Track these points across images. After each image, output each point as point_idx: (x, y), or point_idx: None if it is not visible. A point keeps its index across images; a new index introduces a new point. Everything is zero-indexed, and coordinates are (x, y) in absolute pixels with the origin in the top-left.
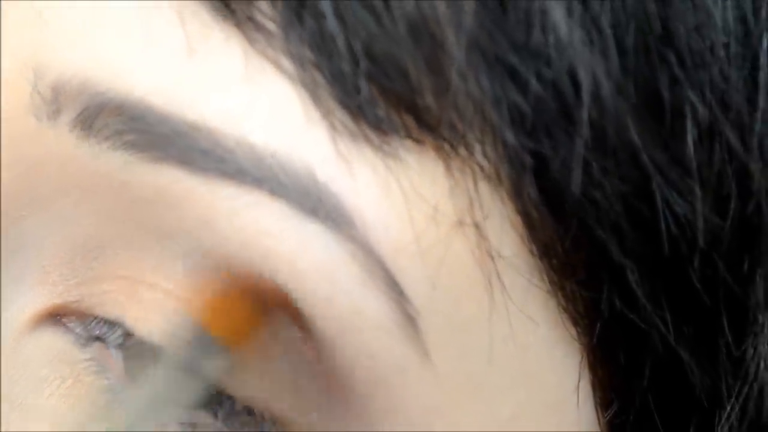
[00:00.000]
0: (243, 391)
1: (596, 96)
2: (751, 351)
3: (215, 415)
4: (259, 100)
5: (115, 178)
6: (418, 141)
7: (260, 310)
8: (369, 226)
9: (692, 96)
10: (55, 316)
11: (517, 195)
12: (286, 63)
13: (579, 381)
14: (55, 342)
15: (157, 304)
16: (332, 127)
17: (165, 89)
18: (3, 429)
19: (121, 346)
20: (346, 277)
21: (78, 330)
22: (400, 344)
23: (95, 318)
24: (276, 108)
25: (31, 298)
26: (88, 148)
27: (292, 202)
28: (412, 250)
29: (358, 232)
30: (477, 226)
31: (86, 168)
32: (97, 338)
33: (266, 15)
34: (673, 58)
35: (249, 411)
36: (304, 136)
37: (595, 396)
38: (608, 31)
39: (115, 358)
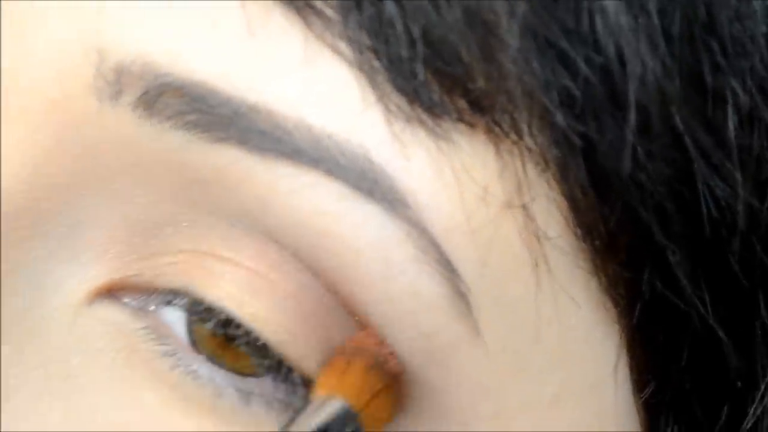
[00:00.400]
0: (303, 366)
1: (643, 81)
2: None
3: (273, 382)
4: (317, 83)
5: (175, 159)
6: (470, 124)
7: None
8: (422, 207)
9: (734, 83)
10: (111, 292)
11: (563, 178)
12: (344, 48)
13: (617, 362)
14: (110, 315)
15: (226, 273)
16: (387, 110)
17: (226, 72)
18: (62, 401)
19: (186, 313)
20: (401, 256)
21: (134, 304)
22: (454, 322)
23: (155, 290)
24: (333, 91)
25: (89, 274)
26: (149, 128)
27: (348, 182)
28: (463, 230)
29: (412, 213)
30: (525, 207)
31: (146, 148)
32: (158, 309)
33: (325, 1)
34: (716, 46)
35: (306, 382)
36: (360, 118)
37: (631, 377)
38: (655, 18)
39: (175, 326)
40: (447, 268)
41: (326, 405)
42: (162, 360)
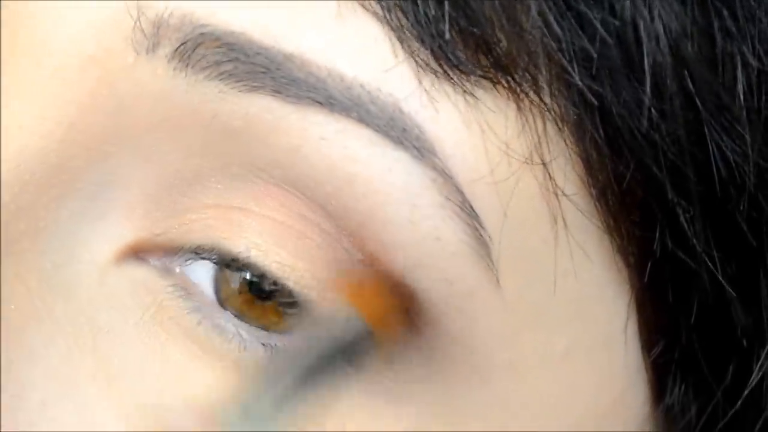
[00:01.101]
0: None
1: (657, 43)
2: None
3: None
4: (350, 36)
5: (207, 110)
6: (493, 82)
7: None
8: (448, 156)
9: (743, 47)
10: (138, 253)
11: (580, 137)
12: (375, 6)
13: (627, 321)
14: (137, 274)
15: (252, 225)
16: (416, 65)
17: (262, 23)
18: (92, 356)
19: (214, 269)
20: (427, 201)
21: (159, 264)
22: (475, 269)
23: (181, 248)
24: (365, 45)
25: (117, 233)
26: (183, 79)
27: (378, 129)
28: (487, 180)
29: (438, 161)
30: (544, 164)
31: (179, 101)
32: (183, 267)
33: None
34: (726, 12)
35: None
36: (390, 71)
37: (641, 336)
38: None
39: (202, 285)
40: (470, 215)
41: (337, 317)
42: (189, 316)
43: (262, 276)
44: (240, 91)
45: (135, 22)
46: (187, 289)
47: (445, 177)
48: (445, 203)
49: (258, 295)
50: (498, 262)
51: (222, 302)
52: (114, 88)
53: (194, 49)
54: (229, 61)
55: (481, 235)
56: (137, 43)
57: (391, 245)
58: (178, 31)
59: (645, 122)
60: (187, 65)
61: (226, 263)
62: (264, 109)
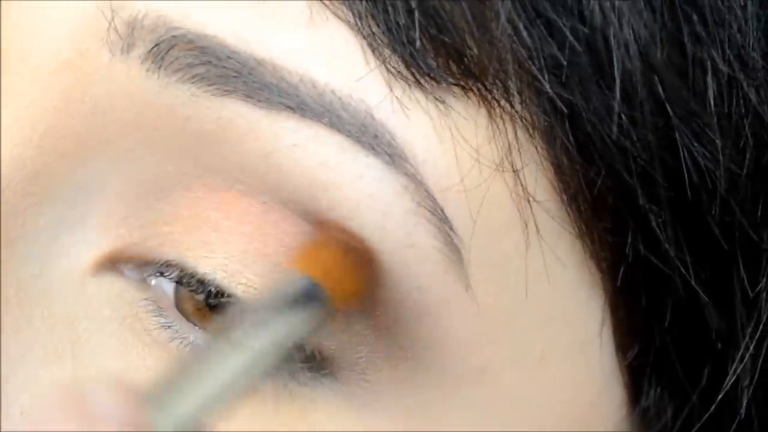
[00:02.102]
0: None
1: (627, 50)
2: (764, 294)
3: None
4: (322, 43)
5: (180, 113)
6: (464, 89)
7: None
8: (420, 162)
9: (713, 53)
10: (114, 263)
11: (550, 144)
12: (346, 13)
13: (603, 324)
14: (114, 285)
15: (221, 244)
16: (388, 72)
17: (235, 27)
18: (72, 363)
19: (178, 285)
20: (399, 208)
21: (135, 275)
22: (447, 275)
23: (154, 261)
24: (337, 51)
25: (95, 241)
26: (156, 80)
27: (350, 135)
28: (458, 187)
29: (410, 167)
30: (515, 170)
31: (152, 102)
32: (154, 279)
33: None
34: (696, 17)
35: (299, 346)
36: (362, 78)
37: (615, 340)
38: None
39: (169, 297)
40: (442, 221)
41: (291, 279)
42: (161, 332)
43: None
44: (212, 95)
45: (109, 23)
46: (159, 304)
47: (416, 183)
48: (417, 210)
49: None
50: (470, 268)
51: (186, 315)
52: (89, 89)
53: (168, 51)
54: (201, 64)
55: (452, 241)
56: (112, 44)
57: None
58: (153, 33)
59: (615, 129)
60: (160, 67)
61: (191, 283)
62: (236, 114)
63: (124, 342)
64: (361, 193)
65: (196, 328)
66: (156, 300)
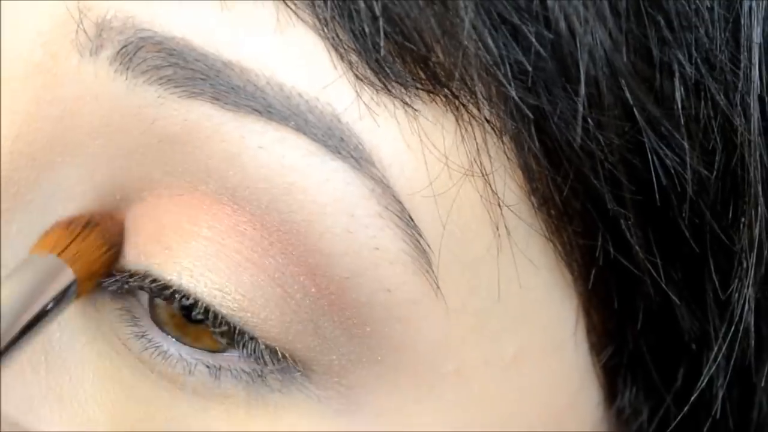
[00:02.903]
0: (265, 332)
1: (592, 54)
2: (736, 295)
3: (239, 356)
4: (290, 47)
5: (147, 114)
6: (432, 94)
7: None
8: (386, 166)
9: (680, 56)
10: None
11: (518, 148)
12: (314, 20)
13: (576, 325)
14: (89, 294)
15: (185, 249)
16: (355, 77)
17: (203, 30)
18: (45, 375)
19: (149, 294)
20: (365, 211)
21: (112, 287)
22: (415, 278)
23: (121, 271)
24: (304, 56)
25: None
26: (123, 82)
27: (316, 138)
28: (426, 191)
29: (376, 171)
30: (484, 175)
31: (119, 105)
32: (129, 289)
33: None
34: (662, 21)
35: (272, 351)
36: (329, 82)
37: (589, 341)
38: None
39: (144, 307)
40: (409, 224)
41: (33, 260)
42: (134, 341)
43: (195, 302)
44: (179, 97)
45: (78, 25)
46: (133, 313)
47: (383, 187)
48: (383, 213)
49: (189, 318)
50: (439, 271)
51: (160, 324)
52: (59, 93)
53: (136, 52)
54: (168, 65)
55: (420, 245)
56: (81, 46)
57: (328, 254)
58: (121, 34)
59: (581, 133)
60: (127, 68)
61: (159, 290)
62: (202, 116)
63: (98, 352)
64: (327, 196)
65: (170, 337)
66: (130, 308)
